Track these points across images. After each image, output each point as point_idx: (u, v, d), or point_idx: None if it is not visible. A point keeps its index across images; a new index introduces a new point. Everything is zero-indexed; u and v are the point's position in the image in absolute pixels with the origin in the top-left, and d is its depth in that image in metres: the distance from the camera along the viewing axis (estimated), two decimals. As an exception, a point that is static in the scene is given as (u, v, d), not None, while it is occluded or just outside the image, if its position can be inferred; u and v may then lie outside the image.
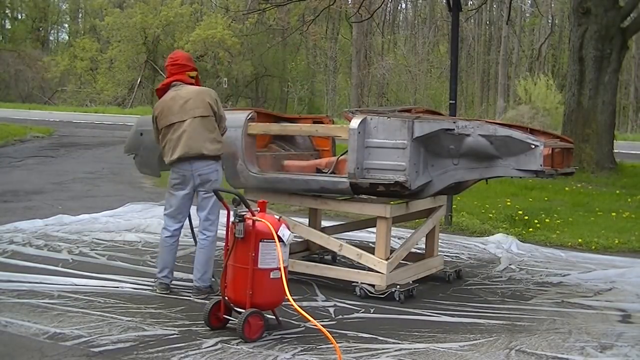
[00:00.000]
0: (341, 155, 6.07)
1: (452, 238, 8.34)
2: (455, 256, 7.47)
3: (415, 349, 4.48)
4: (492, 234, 8.67)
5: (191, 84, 5.65)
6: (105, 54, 39.19)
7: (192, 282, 5.70)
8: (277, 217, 4.79)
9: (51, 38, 53.70)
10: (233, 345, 4.43)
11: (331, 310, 5.33)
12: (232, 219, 4.66)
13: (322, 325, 4.37)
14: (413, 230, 7.02)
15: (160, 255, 5.72)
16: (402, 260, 6.05)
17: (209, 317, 4.69)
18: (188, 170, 5.47)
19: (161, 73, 38.11)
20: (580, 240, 8.33)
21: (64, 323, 4.73)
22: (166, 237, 5.64)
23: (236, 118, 6.11)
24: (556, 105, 25.21)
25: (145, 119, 7.68)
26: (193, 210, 5.76)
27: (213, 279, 5.63)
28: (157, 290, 5.61)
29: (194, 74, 5.73)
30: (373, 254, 5.72)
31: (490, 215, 9.54)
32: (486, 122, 5.48)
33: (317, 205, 6.31)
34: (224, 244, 4.83)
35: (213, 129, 5.52)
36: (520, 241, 8.12)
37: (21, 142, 18.34)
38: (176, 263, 6.64)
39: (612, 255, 7.69)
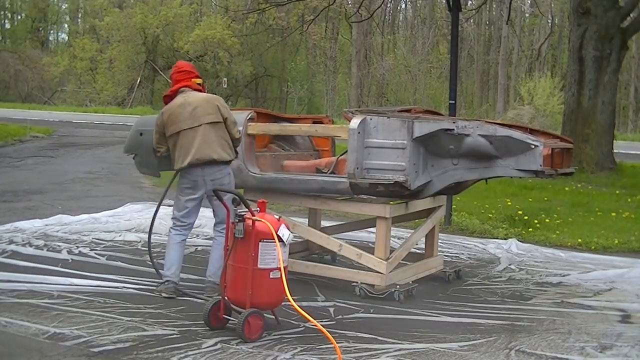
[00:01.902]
0: (341, 155, 6.07)
1: (451, 238, 8.34)
2: (455, 256, 7.47)
3: (415, 349, 4.49)
4: (492, 234, 8.68)
5: (199, 90, 5.66)
6: (105, 54, 39.20)
7: (192, 282, 5.70)
8: (277, 217, 4.79)
9: (51, 38, 53.75)
10: (233, 345, 4.43)
11: (331, 310, 5.33)
12: (231, 219, 4.66)
13: (321, 325, 4.37)
14: (413, 230, 7.02)
15: (167, 253, 5.64)
16: (402, 260, 6.05)
17: (209, 317, 4.70)
18: (200, 175, 5.46)
19: (161, 73, 38.16)
20: (580, 240, 8.33)
21: (64, 323, 4.73)
22: (174, 234, 5.61)
23: (236, 118, 6.10)
24: (556, 106, 25.20)
25: (145, 119, 7.68)
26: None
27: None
28: (164, 294, 5.47)
29: (199, 81, 5.75)
30: (373, 254, 5.72)
31: (490, 215, 9.54)
32: (486, 122, 5.48)
33: (316, 205, 6.31)
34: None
35: (224, 135, 5.54)
36: (520, 241, 8.11)
37: (21, 142, 18.35)
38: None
39: (612, 256, 7.69)
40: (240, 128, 5.99)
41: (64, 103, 39.67)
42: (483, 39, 41.36)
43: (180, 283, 5.86)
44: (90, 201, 10.25)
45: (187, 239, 5.76)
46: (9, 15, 51.62)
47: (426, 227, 6.28)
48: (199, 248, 7.39)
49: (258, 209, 4.67)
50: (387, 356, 4.35)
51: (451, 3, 8.87)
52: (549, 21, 39.68)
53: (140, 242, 7.55)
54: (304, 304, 5.25)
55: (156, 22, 36.50)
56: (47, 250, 6.91)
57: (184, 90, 5.60)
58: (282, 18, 35.53)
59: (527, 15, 40.60)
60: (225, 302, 4.68)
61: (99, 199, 10.43)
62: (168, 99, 5.66)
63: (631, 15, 15.59)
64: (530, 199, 11.11)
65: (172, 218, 5.69)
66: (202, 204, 5.70)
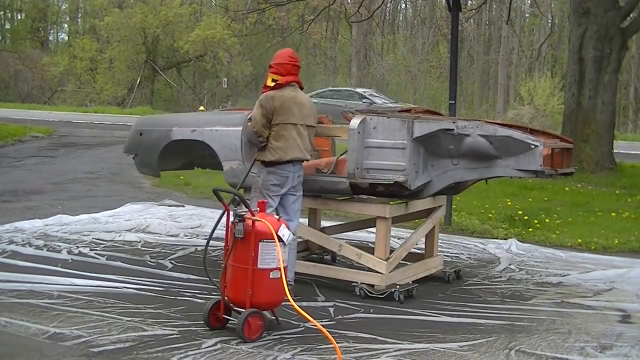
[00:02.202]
0: (341, 155, 6.07)
1: (451, 238, 8.34)
2: (455, 256, 7.47)
3: (414, 349, 4.49)
4: (492, 234, 8.68)
5: (302, 89, 5.69)
6: (105, 54, 39.19)
7: (192, 282, 5.71)
8: (277, 217, 4.79)
9: (50, 38, 53.72)
10: (233, 345, 4.43)
11: (331, 310, 5.33)
12: (231, 218, 4.66)
13: (321, 325, 4.37)
14: (413, 230, 7.02)
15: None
16: (402, 260, 6.05)
17: (209, 317, 4.70)
18: (291, 172, 5.49)
19: (161, 73, 38.15)
20: (580, 240, 8.33)
21: (64, 323, 4.73)
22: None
23: (236, 118, 6.11)
24: (556, 106, 25.20)
25: (145, 119, 7.70)
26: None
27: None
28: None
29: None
30: (373, 254, 5.72)
31: (490, 215, 9.54)
32: (486, 122, 5.48)
33: (317, 205, 6.31)
34: (223, 244, 4.84)
35: (312, 139, 5.74)
36: (520, 241, 8.11)
37: (21, 142, 18.32)
38: (175, 263, 6.67)
39: (612, 256, 7.69)
40: (240, 128, 6.00)
41: (64, 103, 39.64)
42: (483, 39, 41.36)
43: (181, 283, 5.87)
44: (90, 201, 10.25)
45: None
46: (9, 15, 51.60)
47: (426, 227, 6.28)
48: (199, 248, 7.38)
49: (258, 209, 4.67)
50: (387, 356, 4.35)
51: (451, 3, 8.86)
52: (549, 21, 39.69)
53: (140, 242, 7.55)
54: (304, 304, 5.25)
55: (156, 22, 36.49)
56: (47, 250, 6.91)
57: (295, 85, 5.58)
58: (282, 18, 35.54)
59: (527, 15, 40.61)
60: (225, 302, 4.68)
61: (99, 199, 10.43)
62: (279, 86, 5.48)
63: (631, 15, 15.57)
64: (530, 199, 11.11)
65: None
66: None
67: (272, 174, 5.44)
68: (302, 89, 5.66)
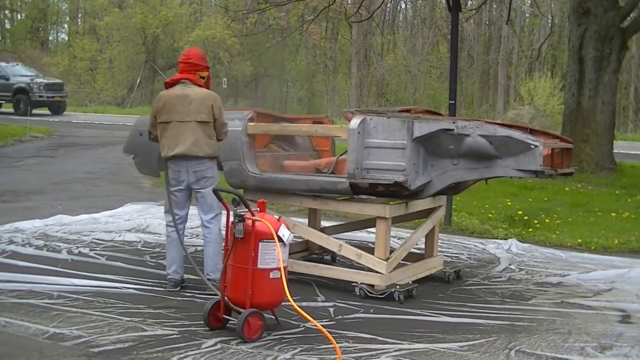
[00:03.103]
0: (341, 155, 6.07)
1: (451, 238, 8.34)
2: (455, 256, 7.47)
3: (414, 349, 4.49)
4: (492, 234, 8.68)
5: (200, 85, 5.71)
6: (105, 54, 39.19)
7: (193, 282, 5.72)
8: (277, 217, 4.79)
9: (51, 38, 53.70)
10: (233, 345, 4.43)
11: (331, 310, 5.33)
12: (231, 219, 4.66)
13: (321, 325, 4.38)
14: (413, 230, 7.02)
15: (167, 251, 5.82)
16: (402, 260, 6.05)
17: (209, 317, 4.70)
18: (183, 166, 5.58)
19: (160, 73, 38.14)
20: (579, 240, 8.33)
21: (64, 323, 4.73)
22: (170, 232, 5.73)
23: (236, 118, 6.11)
24: (556, 106, 25.20)
25: (145, 119, 7.68)
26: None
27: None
28: (168, 287, 5.68)
29: (205, 74, 5.80)
30: (372, 254, 5.72)
31: (490, 215, 9.54)
32: (486, 122, 5.48)
33: (316, 206, 6.31)
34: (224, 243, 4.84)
35: (211, 134, 5.66)
36: (520, 241, 8.11)
37: (20, 142, 18.32)
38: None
39: (612, 256, 7.69)
40: (240, 128, 6.00)
41: (64, 103, 39.58)
42: (483, 39, 41.32)
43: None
44: (90, 201, 10.25)
45: (185, 238, 5.80)
46: (9, 15, 51.59)
47: (426, 227, 6.28)
48: (199, 248, 7.38)
49: (258, 209, 4.68)
50: (387, 356, 4.35)
51: (451, 3, 8.86)
52: (549, 21, 39.65)
53: (140, 242, 7.55)
54: (304, 304, 5.26)
55: (156, 22, 36.48)
56: (47, 250, 6.91)
57: (186, 82, 5.66)
58: (282, 18, 35.50)
59: (527, 15, 40.59)
60: (225, 302, 4.68)
61: (99, 199, 10.43)
62: (169, 85, 5.75)
63: (631, 15, 15.57)
64: (530, 199, 11.11)
65: (164, 213, 5.84)
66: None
67: (168, 169, 5.67)
68: (202, 85, 5.72)
